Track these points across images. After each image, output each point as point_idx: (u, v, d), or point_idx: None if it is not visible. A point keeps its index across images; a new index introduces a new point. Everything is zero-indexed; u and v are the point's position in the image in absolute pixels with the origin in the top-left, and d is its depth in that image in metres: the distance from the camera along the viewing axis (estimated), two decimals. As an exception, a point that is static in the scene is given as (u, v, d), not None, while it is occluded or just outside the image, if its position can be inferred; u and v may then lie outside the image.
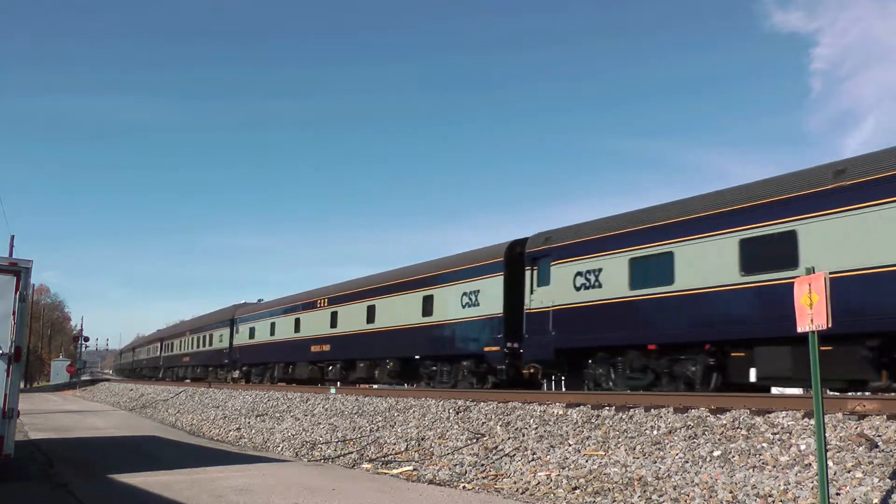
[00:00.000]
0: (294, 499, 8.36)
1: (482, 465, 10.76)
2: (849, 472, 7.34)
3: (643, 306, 14.59)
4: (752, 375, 12.64)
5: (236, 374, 38.50)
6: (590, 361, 15.96)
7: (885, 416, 8.42)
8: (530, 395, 14.75)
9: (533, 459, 10.44)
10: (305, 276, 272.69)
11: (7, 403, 9.21)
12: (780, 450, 8.35)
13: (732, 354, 13.17)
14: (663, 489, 8.15)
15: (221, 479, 9.89)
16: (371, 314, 24.81)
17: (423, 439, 13.19)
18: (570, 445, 10.64)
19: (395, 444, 13.42)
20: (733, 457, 8.54)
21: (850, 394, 11.30)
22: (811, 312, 6.27)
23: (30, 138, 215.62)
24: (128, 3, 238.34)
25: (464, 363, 20.13)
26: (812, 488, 7.16)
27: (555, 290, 16.80)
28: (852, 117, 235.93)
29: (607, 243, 15.68)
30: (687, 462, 8.79)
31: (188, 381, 44.09)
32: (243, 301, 42.27)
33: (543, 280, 17.30)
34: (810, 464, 7.75)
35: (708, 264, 13.44)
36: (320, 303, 29.03)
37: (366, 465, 12.10)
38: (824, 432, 6.28)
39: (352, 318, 26.00)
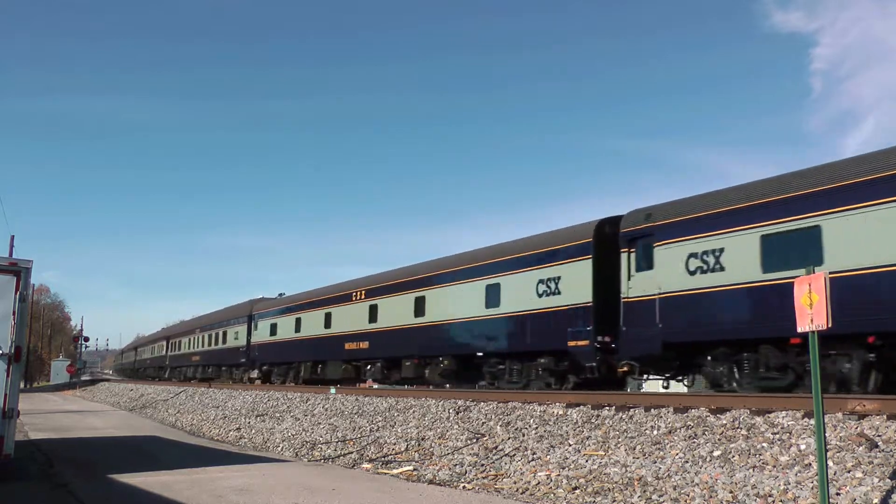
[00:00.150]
0: (294, 499, 8.37)
1: (482, 465, 10.76)
2: (849, 471, 7.34)
3: (781, 292, 11.80)
4: None
5: (255, 373, 35.74)
6: (708, 358, 13.91)
7: (885, 416, 8.42)
8: (530, 395, 14.72)
9: (533, 459, 10.45)
10: (305, 276, 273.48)
11: (7, 403, 9.23)
12: (780, 450, 8.36)
13: None
14: (663, 489, 8.15)
15: (221, 479, 9.89)
16: (420, 307, 22.41)
17: (423, 439, 13.19)
18: (570, 445, 10.64)
19: (395, 444, 13.43)
20: (733, 457, 8.55)
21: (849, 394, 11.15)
22: (811, 312, 6.27)
23: (30, 138, 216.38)
24: (128, 3, 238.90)
25: (540, 360, 17.70)
26: (812, 488, 7.17)
27: (661, 275, 14.63)
28: (852, 117, 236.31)
29: (730, 218, 13.52)
30: (687, 462, 8.80)
31: (198, 381, 41.58)
32: (261, 296, 39.22)
33: (645, 264, 15.17)
34: (810, 464, 7.75)
35: (870, 239, 11.27)
36: (356, 295, 26.68)
37: (366, 465, 12.10)
38: (824, 432, 6.28)
39: (396, 312, 23.76)
